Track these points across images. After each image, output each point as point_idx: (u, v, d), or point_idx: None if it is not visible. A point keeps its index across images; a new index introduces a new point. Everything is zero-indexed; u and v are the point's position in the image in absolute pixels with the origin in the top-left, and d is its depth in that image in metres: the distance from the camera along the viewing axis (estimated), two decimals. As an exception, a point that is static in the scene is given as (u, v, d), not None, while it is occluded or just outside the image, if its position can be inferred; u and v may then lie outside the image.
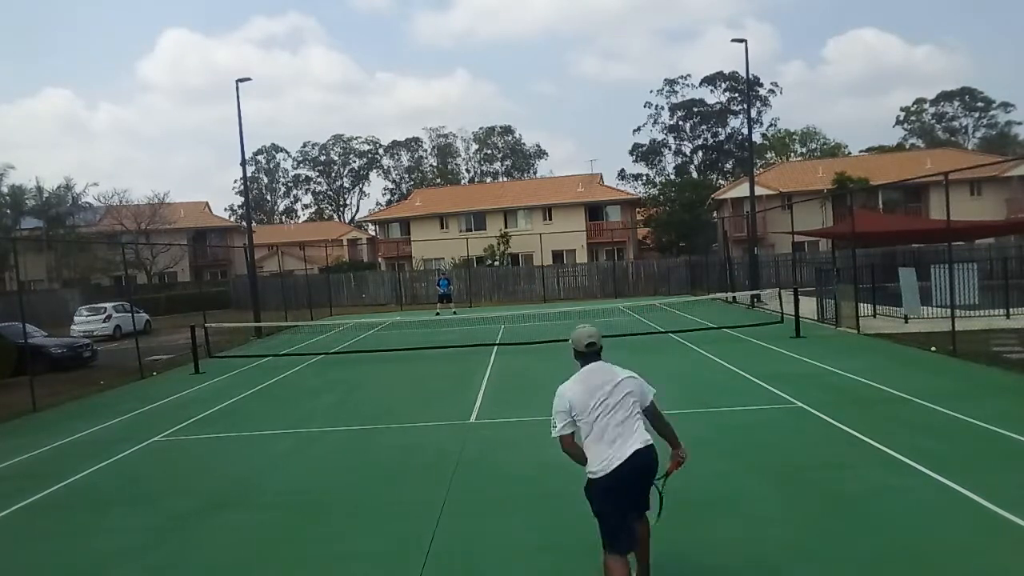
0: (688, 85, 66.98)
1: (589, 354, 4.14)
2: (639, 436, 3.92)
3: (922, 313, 16.46)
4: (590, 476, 3.96)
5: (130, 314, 23.35)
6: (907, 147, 63.91)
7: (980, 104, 66.72)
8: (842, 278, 17.07)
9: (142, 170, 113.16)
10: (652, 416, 4.16)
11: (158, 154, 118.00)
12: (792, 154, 71.51)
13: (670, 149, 68.03)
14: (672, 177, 64.06)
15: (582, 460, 4.01)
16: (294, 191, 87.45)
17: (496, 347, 16.19)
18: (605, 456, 3.88)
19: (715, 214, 46.72)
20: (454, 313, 27.04)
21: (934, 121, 69.67)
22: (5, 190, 44.12)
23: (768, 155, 70.04)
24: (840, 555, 4.60)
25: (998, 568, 4.35)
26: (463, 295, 35.70)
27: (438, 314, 26.61)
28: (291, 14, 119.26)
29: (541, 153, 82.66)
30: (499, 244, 43.11)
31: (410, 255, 46.54)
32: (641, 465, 3.88)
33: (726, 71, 64.44)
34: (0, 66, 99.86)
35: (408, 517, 5.74)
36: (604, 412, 3.94)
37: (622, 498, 3.90)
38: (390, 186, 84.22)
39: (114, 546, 5.56)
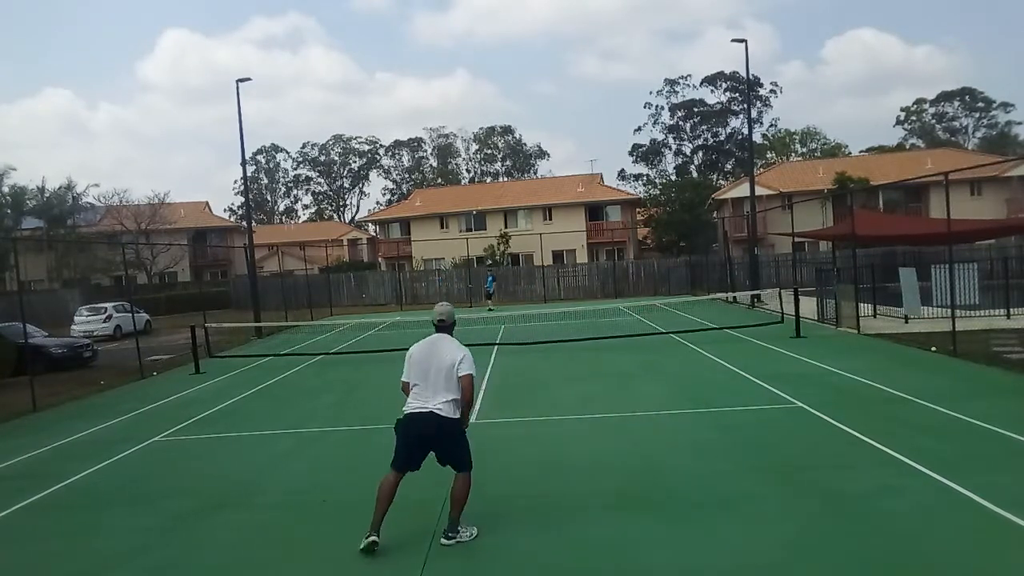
0: (688, 85, 67.09)
1: (438, 327, 5.31)
2: (434, 401, 5.01)
3: (922, 313, 16.45)
4: (403, 412, 5.16)
5: (130, 314, 23.36)
6: (907, 147, 63.91)
7: (980, 104, 66.74)
8: (842, 278, 17.06)
9: (142, 170, 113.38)
10: (464, 387, 5.06)
11: (158, 154, 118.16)
12: (792, 154, 71.50)
13: (670, 149, 68.09)
14: (672, 177, 64.08)
15: None
16: (294, 191, 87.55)
17: (496, 347, 16.20)
18: (410, 402, 5.13)
19: (715, 214, 46.73)
20: (490, 310, 27.32)
21: (934, 121, 69.68)
22: (6, 190, 44.14)
23: (768, 155, 70.03)
24: (840, 555, 4.60)
25: (998, 568, 4.35)
26: (463, 295, 35.71)
27: (491, 310, 27.40)
28: (291, 14, 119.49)
29: (542, 153, 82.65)
30: (499, 244, 43.09)
31: (410, 255, 46.54)
32: (423, 424, 5.00)
33: (726, 71, 64.55)
34: (0, 66, 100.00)
35: (408, 517, 5.74)
36: (424, 371, 5.10)
37: (408, 436, 5.07)
38: (390, 186, 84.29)
39: (114, 546, 5.56)
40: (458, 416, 5.06)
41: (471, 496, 5.12)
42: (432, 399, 5.01)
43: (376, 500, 5.01)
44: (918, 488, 5.69)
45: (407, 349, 5.37)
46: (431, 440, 5.06)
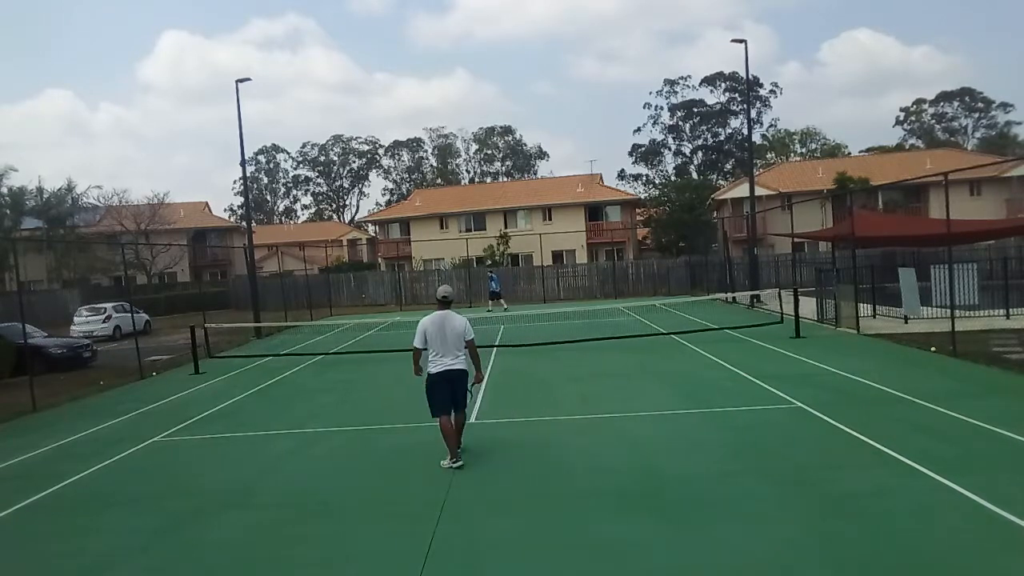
0: (688, 86, 67.22)
1: (442, 303, 7.09)
2: (459, 359, 6.96)
3: (922, 313, 16.45)
4: (429, 373, 6.94)
5: (130, 314, 23.33)
6: (907, 147, 63.93)
7: (979, 104, 66.79)
8: (842, 278, 17.06)
9: (142, 170, 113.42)
10: (469, 348, 7.07)
11: (158, 154, 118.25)
12: (792, 154, 71.53)
13: (670, 149, 68.22)
14: (672, 177, 64.11)
15: (416, 365, 7.28)
16: (294, 191, 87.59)
17: (496, 348, 16.21)
18: (439, 363, 6.90)
19: (715, 214, 46.73)
20: (505, 310, 26.21)
21: (934, 121, 69.72)
22: (5, 191, 44.10)
23: (768, 155, 70.08)
24: (840, 555, 4.60)
25: (998, 568, 4.35)
26: (463, 295, 35.69)
27: (490, 311, 26.13)
28: (290, 15, 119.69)
29: (542, 154, 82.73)
30: (499, 244, 43.05)
31: (410, 255, 46.52)
32: (454, 375, 6.93)
33: (725, 72, 64.61)
34: (1, 67, 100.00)
35: (408, 517, 5.74)
36: (443, 338, 6.91)
37: (443, 388, 6.91)
38: (390, 186, 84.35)
39: (114, 546, 5.56)
40: (466, 368, 6.97)
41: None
42: (451, 358, 6.89)
43: (445, 437, 6.89)
44: (918, 488, 5.69)
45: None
46: (455, 385, 6.92)
